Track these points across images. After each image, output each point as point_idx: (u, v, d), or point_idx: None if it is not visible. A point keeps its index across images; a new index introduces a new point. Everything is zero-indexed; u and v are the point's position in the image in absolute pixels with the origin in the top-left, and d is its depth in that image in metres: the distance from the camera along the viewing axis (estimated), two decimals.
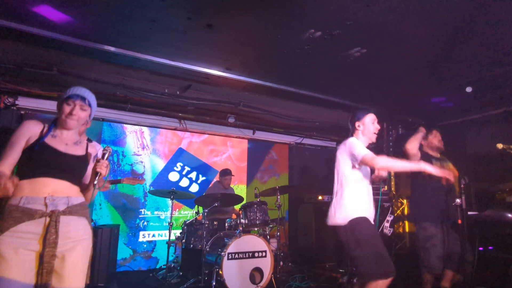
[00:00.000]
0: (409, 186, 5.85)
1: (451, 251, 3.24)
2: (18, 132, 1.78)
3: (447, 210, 3.25)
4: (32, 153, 1.75)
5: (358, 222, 2.46)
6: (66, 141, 1.88)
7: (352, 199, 2.53)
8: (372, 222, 2.56)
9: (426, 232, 3.31)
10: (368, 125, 2.69)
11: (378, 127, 2.74)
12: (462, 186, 3.26)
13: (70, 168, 1.85)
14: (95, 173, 1.84)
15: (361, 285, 2.51)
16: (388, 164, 2.49)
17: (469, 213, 3.29)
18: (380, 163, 2.44)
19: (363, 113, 2.72)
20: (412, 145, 3.41)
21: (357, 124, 2.71)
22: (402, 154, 5.98)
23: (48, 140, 1.82)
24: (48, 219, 1.69)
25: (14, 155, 1.74)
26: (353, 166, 2.57)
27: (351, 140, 2.61)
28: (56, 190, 1.77)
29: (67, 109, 1.87)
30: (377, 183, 2.84)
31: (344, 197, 2.54)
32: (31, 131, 1.80)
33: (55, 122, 1.91)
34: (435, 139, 3.58)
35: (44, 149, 1.78)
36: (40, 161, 1.77)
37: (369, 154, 2.47)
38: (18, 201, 1.69)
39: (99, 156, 1.96)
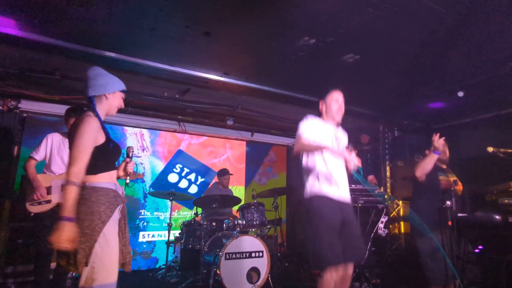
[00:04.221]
0: (405, 188, 5.99)
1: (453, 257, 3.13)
2: (92, 132, 1.88)
3: (444, 212, 3.20)
4: (107, 150, 1.95)
5: (311, 203, 2.43)
6: None
7: (309, 177, 2.49)
8: (336, 198, 2.45)
9: (434, 242, 3.15)
10: (330, 104, 2.62)
11: (341, 104, 2.64)
12: (453, 188, 3.35)
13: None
14: (126, 172, 2.12)
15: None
16: (299, 147, 2.47)
17: (459, 215, 3.36)
18: (297, 143, 2.48)
19: (326, 92, 2.67)
20: (422, 172, 3.21)
21: (320, 103, 2.68)
22: (398, 157, 6.13)
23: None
24: (122, 205, 1.97)
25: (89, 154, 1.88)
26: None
27: (303, 120, 2.58)
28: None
29: (121, 102, 2.10)
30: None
31: (304, 174, 2.55)
32: (97, 130, 1.92)
33: (99, 117, 2.00)
34: (443, 152, 3.38)
35: (115, 145, 2.01)
36: (115, 156, 2.03)
37: (299, 137, 2.46)
38: (114, 186, 1.95)
39: (125, 155, 2.20)
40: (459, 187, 3.52)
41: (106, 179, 1.93)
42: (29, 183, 3.09)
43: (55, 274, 3.07)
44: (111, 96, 2.05)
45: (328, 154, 2.49)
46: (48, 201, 3.05)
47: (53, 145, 3.24)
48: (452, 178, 3.50)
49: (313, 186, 2.46)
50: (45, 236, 2.97)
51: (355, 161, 2.28)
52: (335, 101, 2.63)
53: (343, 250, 2.34)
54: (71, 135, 1.91)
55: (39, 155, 3.19)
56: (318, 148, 2.45)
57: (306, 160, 2.56)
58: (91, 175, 1.89)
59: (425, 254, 3.25)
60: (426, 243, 3.22)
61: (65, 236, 1.67)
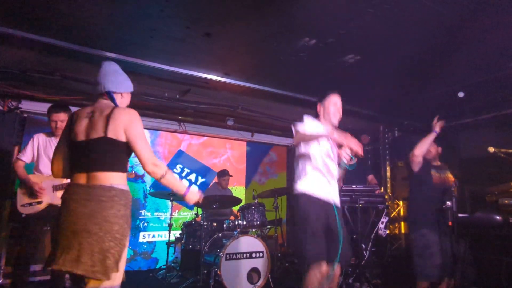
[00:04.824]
0: (405, 188, 5.99)
1: (447, 256, 3.16)
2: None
3: (444, 212, 3.21)
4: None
5: (298, 200, 2.46)
6: None
7: (301, 175, 2.53)
8: (324, 199, 2.46)
9: (424, 239, 3.21)
10: (328, 107, 2.64)
11: (339, 108, 2.65)
12: (453, 189, 3.36)
13: None
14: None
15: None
16: (300, 136, 2.45)
17: (459, 215, 3.36)
18: (296, 136, 2.46)
19: (324, 95, 2.69)
20: (420, 151, 3.27)
21: (318, 106, 2.70)
22: (398, 157, 6.13)
23: None
24: None
25: None
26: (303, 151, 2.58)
27: (304, 118, 2.61)
28: None
29: (128, 103, 2.14)
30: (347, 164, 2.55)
31: (296, 171, 2.59)
32: None
33: None
34: (433, 148, 3.49)
35: None
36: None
37: (299, 128, 2.46)
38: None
39: None
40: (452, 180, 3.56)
41: (125, 180, 1.89)
42: (21, 185, 3.03)
43: (53, 275, 3.05)
44: (125, 95, 2.05)
45: (323, 153, 2.52)
46: (40, 202, 3.00)
47: (39, 146, 3.18)
48: (447, 175, 3.54)
49: (304, 183, 2.49)
50: (31, 238, 2.95)
51: (357, 147, 2.32)
52: (334, 104, 2.65)
53: (328, 250, 2.36)
54: (116, 127, 1.81)
55: (27, 156, 3.13)
56: (320, 136, 2.45)
57: (300, 155, 2.58)
58: (120, 172, 1.84)
59: (414, 250, 3.30)
60: (417, 239, 3.27)
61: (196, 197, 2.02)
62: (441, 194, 3.32)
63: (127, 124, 1.83)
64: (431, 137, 3.29)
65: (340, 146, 2.55)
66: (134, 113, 1.88)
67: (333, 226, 2.43)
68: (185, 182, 5.85)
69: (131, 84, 2.08)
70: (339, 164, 2.60)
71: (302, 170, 2.56)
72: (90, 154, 1.83)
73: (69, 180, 1.92)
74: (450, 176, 3.55)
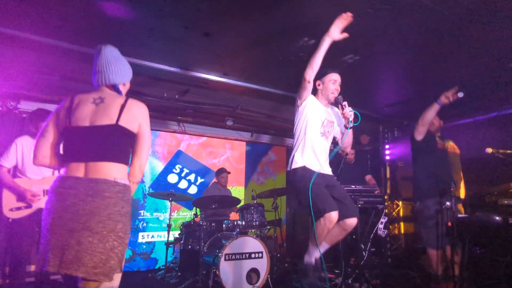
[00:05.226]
0: (405, 188, 5.98)
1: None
2: None
3: (449, 184, 3.28)
4: None
5: (295, 172, 2.59)
6: None
7: (297, 151, 2.65)
8: (317, 170, 2.57)
9: (429, 211, 3.36)
10: (327, 84, 2.69)
11: (338, 87, 2.71)
12: (452, 189, 3.35)
13: None
14: None
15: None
16: (309, 65, 2.52)
17: (459, 215, 3.37)
18: (305, 73, 2.52)
19: (324, 72, 2.72)
20: (426, 119, 3.40)
21: (317, 83, 2.72)
22: (399, 158, 6.11)
23: None
24: None
25: None
26: (302, 118, 2.67)
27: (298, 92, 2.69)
28: None
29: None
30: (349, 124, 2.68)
31: (294, 149, 2.70)
32: None
33: None
34: (436, 120, 3.62)
35: None
36: None
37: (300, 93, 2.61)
38: None
39: None
40: (455, 148, 3.71)
41: (126, 174, 1.76)
42: (7, 190, 2.95)
43: (37, 276, 3.03)
44: (127, 84, 1.96)
45: (317, 134, 2.63)
46: (29, 206, 2.95)
47: (24, 150, 3.05)
48: (449, 144, 3.68)
49: (298, 159, 2.61)
50: (23, 240, 2.93)
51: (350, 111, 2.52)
52: (333, 82, 2.70)
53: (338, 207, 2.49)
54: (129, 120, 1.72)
55: (9, 161, 3.02)
56: (324, 46, 2.50)
57: (300, 128, 2.69)
58: (124, 165, 1.72)
59: (419, 219, 3.49)
60: (424, 209, 3.41)
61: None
62: (445, 165, 3.44)
63: (142, 119, 1.77)
64: (434, 107, 3.40)
65: (341, 107, 2.67)
66: (147, 109, 1.83)
67: (333, 184, 2.64)
68: (185, 182, 5.85)
69: (131, 70, 1.97)
70: (345, 126, 2.72)
71: (298, 145, 2.67)
72: (95, 141, 1.67)
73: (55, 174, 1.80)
74: (453, 144, 3.67)
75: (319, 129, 2.66)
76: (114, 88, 1.85)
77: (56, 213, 1.59)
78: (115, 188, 1.64)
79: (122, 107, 1.73)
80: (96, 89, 1.86)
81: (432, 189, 3.38)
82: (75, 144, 1.71)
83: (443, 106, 3.38)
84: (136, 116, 1.76)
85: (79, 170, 1.65)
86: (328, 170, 2.72)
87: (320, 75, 2.73)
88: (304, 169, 2.57)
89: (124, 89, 1.94)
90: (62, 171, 1.71)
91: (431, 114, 3.40)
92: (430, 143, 3.48)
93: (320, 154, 2.65)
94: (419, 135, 3.46)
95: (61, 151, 1.79)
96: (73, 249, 1.53)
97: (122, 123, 1.70)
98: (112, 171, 1.67)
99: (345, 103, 2.63)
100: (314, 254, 2.61)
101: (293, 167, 2.62)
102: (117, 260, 1.60)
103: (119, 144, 1.71)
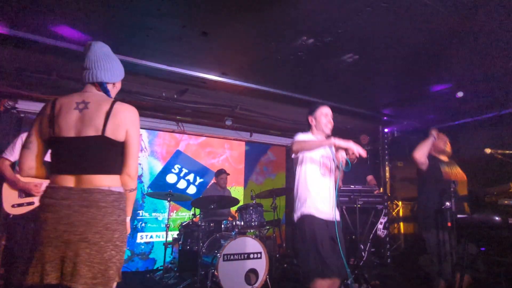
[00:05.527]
0: (404, 188, 5.97)
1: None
2: None
3: (449, 184, 3.21)
4: None
5: (302, 220, 2.51)
6: None
7: (300, 197, 2.58)
8: (324, 218, 2.51)
9: (437, 239, 3.24)
10: (319, 119, 2.68)
11: (330, 120, 2.70)
12: (451, 189, 3.34)
13: None
14: None
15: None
16: (300, 145, 2.50)
17: (458, 216, 3.35)
18: (295, 145, 2.51)
19: (315, 108, 2.73)
20: (420, 153, 3.29)
21: (310, 119, 2.73)
22: (399, 158, 6.11)
23: None
24: None
25: None
26: (300, 162, 2.63)
27: (295, 136, 2.66)
28: None
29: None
30: (344, 165, 2.62)
31: (296, 195, 2.64)
32: None
33: None
34: (441, 142, 3.48)
35: None
36: None
37: (297, 139, 2.56)
38: None
39: None
40: (462, 176, 3.54)
41: (120, 181, 1.71)
42: (9, 185, 2.93)
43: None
44: (118, 84, 1.86)
45: (319, 173, 2.58)
46: (31, 203, 2.93)
47: None
48: (457, 169, 3.52)
49: (305, 205, 2.53)
50: (21, 239, 2.89)
51: (360, 149, 2.35)
52: (324, 115, 2.69)
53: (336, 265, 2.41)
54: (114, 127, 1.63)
55: (14, 155, 2.99)
56: (320, 144, 2.51)
57: (299, 176, 2.63)
58: (115, 175, 1.67)
59: (428, 249, 3.32)
60: (430, 239, 3.29)
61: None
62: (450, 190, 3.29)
63: (129, 125, 1.67)
64: (429, 141, 3.35)
65: (337, 149, 2.62)
66: (136, 113, 1.73)
67: (335, 241, 2.49)
68: (184, 182, 5.83)
69: (123, 70, 1.86)
70: (337, 167, 2.67)
71: (302, 194, 2.59)
72: (82, 154, 1.61)
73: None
74: (460, 171, 3.54)
75: (318, 171, 2.60)
76: (101, 87, 1.74)
77: (50, 225, 1.54)
78: (110, 197, 1.60)
79: (108, 114, 1.63)
80: (81, 88, 1.76)
81: (439, 218, 3.26)
82: (62, 155, 1.65)
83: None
84: (123, 122, 1.66)
85: (69, 181, 1.60)
86: (336, 214, 2.59)
87: (311, 111, 2.75)
88: (312, 219, 2.48)
89: (114, 89, 1.84)
90: (52, 181, 1.65)
91: (426, 148, 3.33)
92: (435, 173, 3.36)
93: (325, 196, 2.57)
94: (422, 166, 3.35)
95: (49, 159, 1.72)
96: (71, 261, 1.51)
97: (108, 133, 1.62)
98: (104, 180, 1.62)
99: (343, 152, 2.62)
100: None
101: (301, 214, 2.53)
102: (116, 269, 1.59)
103: (106, 156, 1.65)
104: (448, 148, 3.50)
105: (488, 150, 3.22)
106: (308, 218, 2.49)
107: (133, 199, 1.79)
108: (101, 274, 1.53)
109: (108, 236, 1.56)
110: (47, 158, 1.73)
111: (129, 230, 1.81)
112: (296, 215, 2.57)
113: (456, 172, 3.49)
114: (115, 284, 1.63)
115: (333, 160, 2.68)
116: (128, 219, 1.79)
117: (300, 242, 2.51)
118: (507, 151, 3.28)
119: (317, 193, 2.55)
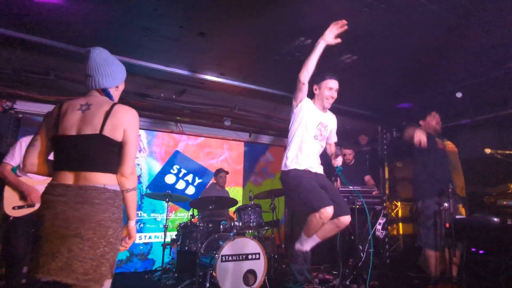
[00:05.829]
0: (404, 189, 5.96)
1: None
2: None
3: (447, 185, 3.29)
4: None
5: (293, 172, 2.65)
6: None
7: (290, 151, 2.71)
8: (313, 171, 2.68)
9: (429, 210, 3.40)
10: (323, 91, 2.73)
11: (333, 94, 2.74)
12: (450, 190, 3.33)
13: None
14: None
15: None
16: (305, 71, 2.57)
17: (457, 217, 3.34)
18: (300, 75, 2.58)
19: (322, 78, 2.75)
20: (423, 137, 3.32)
21: (314, 87, 2.77)
22: (397, 158, 6.10)
23: None
24: None
25: None
26: (298, 121, 2.71)
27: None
28: None
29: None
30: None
31: (287, 148, 2.77)
32: None
33: None
34: (434, 120, 3.66)
35: None
36: None
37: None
38: None
39: None
40: (453, 147, 3.75)
41: (116, 180, 1.75)
42: (11, 188, 2.96)
43: (28, 282, 3.00)
44: (120, 86, 1.92)
45: (310, 137, 2.69)
46: (32, 205, 2.95)
47: None
48: (447, 143, 3.72)
49: (290, 161, 2.67)
50: (21, 240, 2.91)
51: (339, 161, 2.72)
52: (328, 89, 2.73)
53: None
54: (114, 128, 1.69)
55: (15, 160, 3.03)
56: (319, 51, 2.54)
57: (293, 133, 2.74)
58: (112, 174, 1.70)
59: (419, 220, 3.54)
60: (424, 210, 3.46)
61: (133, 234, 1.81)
62: (445, 164, 3.49)
63: (127, 125, 1.72)
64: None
65: (335, 156, 2.86)
66: (135, 114, 1.78)
67: (326, 183, 2.69)
68: (182, 183, 5.82)
69: (124, 71, 1.92)
70: (336, 174, 2.91)
71: (292, 151, 2.70)
72: (81, 151, 1.67)
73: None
74: (451, 143, 3.72)
75: (312, 132, 2.70)
76: (104, 92, 1.82)
77: (47, 220, 1.60)
78: (104, 195, 1.64)
79: (107, 114, 1.70)
80: (86, 93, 1.84)
81: (433, 189, 3.42)
82: (63, 153, 1.71)
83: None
84: (121, 122, 1.71)
85: (68, 178, 1.66)
86: (320, 170, 2.77)
87: (317, 80, 2.75)
88: (296, 170, 2.65)
89: (117, 91, 1.91)
90: (53, 178, 1.71)
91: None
92: (429, 143, 3.48)
93: (313, 155, 2.72)
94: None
95: (52, 158, 1.79)
96: (63, 256, 1.54)
97: (106, 132, 1.67)
98: (101, 178, 1.67)
99: (339, 158, 2.82)
100: (305, 245, 2.70)
101: (285, 168, 2.69)
102: (108, 266, 1.61)
103: (103, 154, 1.69)
104: (438, 126, 3.70)
105: (488, 150, 3.23)
106: (298, 171, 2.64)
107: (134, 201, 1.79)
108: (93, 270, 1.55)
109: (101, 232, 1.59)
110: (51, 157, 1.80)
111: (134, 236, 1.84)
112: (286, 168, 2.68)
113: (448, 144, 3.69)
114: (109, 282, 1.65)
115: (326, 128, 2.82)
116: (132, 223, 1.82)
117: (294, 191, 2.63)
118: (507, 151, 3.28)
119: (308, 154, 2.67)
